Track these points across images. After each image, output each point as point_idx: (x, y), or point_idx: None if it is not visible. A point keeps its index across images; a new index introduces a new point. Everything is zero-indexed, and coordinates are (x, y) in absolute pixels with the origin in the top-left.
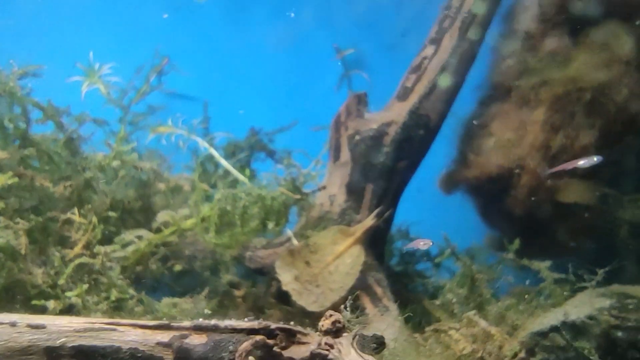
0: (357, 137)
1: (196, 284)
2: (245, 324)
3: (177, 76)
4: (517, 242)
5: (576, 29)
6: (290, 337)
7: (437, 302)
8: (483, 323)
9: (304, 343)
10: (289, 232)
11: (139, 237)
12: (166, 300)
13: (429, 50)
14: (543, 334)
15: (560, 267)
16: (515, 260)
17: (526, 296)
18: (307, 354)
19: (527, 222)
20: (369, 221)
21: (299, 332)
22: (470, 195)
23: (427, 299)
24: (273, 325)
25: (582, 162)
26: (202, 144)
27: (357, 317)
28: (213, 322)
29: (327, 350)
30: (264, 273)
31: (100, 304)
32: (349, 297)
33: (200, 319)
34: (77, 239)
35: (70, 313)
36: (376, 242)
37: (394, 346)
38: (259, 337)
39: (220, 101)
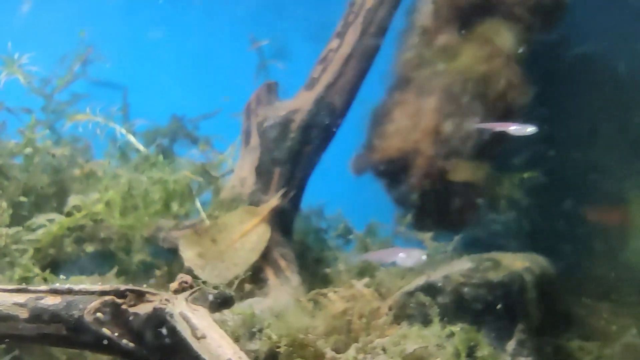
0: (266, 124)
1: (111, 265)
2: (97, 287)
3: (103, 65)
4: (409, 217)
5: (465, 25)
6: (140, 297)
7: (329, 270)
8: (359, 285)
9: (151, 301)
10: (202, 214)
11: (50, 221)
12: (73, 279)
13: (334, 43)
14: (410, 294)
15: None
16: (407, 233)
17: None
18: (151, 309)
19: (423, 200)
20: (274, 201)
21: (148, 293)
22: (376, 177)
23: (327, 269)
24: (122, 287)
25: (513, 128)
26: (120, 130)
27: (260, 288)
28: (68, 286)
29: (165, 305)
30: (178, 252)
31: (5, 283)
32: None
33: (57, 284)
34: None
35: None
36: (284, 220)
37: (282, 310)
38: (108, 297)
39: (145, 89)
